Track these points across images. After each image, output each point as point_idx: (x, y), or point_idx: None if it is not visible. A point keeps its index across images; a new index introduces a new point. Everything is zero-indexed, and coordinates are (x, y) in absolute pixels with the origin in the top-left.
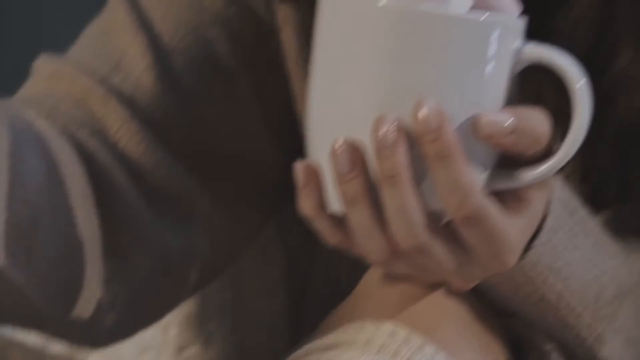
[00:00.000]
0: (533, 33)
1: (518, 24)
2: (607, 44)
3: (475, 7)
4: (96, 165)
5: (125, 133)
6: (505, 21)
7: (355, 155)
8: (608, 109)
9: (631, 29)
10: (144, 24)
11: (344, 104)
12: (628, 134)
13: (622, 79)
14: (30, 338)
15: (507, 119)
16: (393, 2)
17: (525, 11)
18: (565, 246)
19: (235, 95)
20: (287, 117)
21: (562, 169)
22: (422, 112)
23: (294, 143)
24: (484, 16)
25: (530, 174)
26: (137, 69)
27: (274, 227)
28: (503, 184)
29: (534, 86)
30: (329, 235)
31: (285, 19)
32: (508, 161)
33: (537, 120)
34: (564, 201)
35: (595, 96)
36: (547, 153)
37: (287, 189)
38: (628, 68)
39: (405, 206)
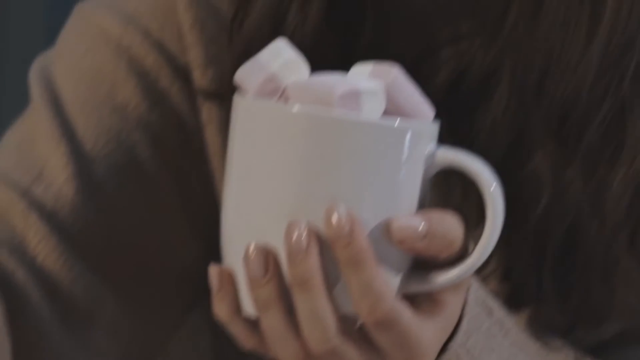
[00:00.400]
0: (452, 133)
1: (431, 128)
2: (522, 146)
3: (388, 112)
4: (13, 286)
5: (44, 248)
6: (418, 126)
7: (268, 260)
8: (525, 208)
9: (540, 130)
10: (67, 132)
11: (257, 208)
12: (545, 233)
13: (536, 180)
14: None
15: (419, 224)
16: (306, 108)
17: (443, 111)
18: (482, 347)
19: (159, 199)
20: (212, 216)
21: (481, 269)
22: (334, 218)
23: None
24: (396, 122)
25: (444, 277)
26: (59, 180)
27: (201, 316)
28: (417, 287)
29: (444, 186)
30: (243, 339)
31: (209, 117)
32: (423, 263)
33: (450, 225)
34: (480, 302)
35: (512, 196)
36: (461, 255)
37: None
38: (541, 169)
39: (317, 311)
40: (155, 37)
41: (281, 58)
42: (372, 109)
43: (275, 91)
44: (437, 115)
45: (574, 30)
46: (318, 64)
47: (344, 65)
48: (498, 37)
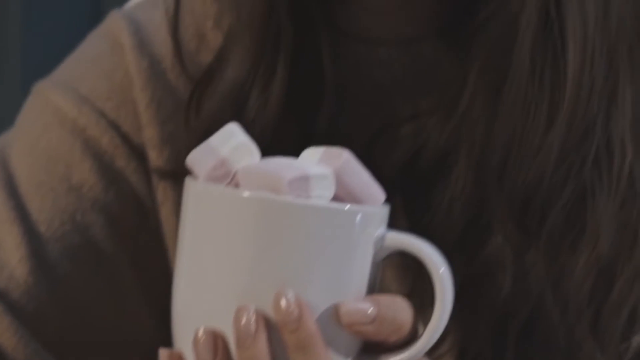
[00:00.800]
0: (409, 210)
1: (381, 212)
2: (482, 227)
3: (338, 197)
4: None
5: None
6: (367, 210)
7: (217, 344)
8: (485, 290)
9: (501, 213)
10: (21, 213)
11: (207, 292)
12: (506, 316)
13: (497, 262)
14: None
15: (368, 308)
16: (256, 193)
17: (401, 189)
18: None
19: (115, 279)
20: (169, 294)
21: (436, 347)
22: (282, 303)
23: None
24: (346, 206)
25: None
26: (12, 261)
27: None
28: None
29: (399, 264)
30: None
31: (164, 197)
32: (372, 346)
33: (399, 308)
34: None
35: (472, 277)
36: (411, 338)
37: None
38: (498, 251)
39: None
40: (110, 118)
41: (232, 142)
42: (322, 194)
43: (226, 176)
44: (394, 193)
45: (534, 113)
46: (279, 145)
47: (305, 144)
48: (454, 115)
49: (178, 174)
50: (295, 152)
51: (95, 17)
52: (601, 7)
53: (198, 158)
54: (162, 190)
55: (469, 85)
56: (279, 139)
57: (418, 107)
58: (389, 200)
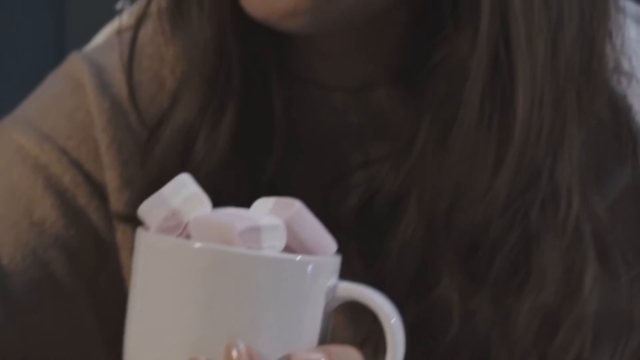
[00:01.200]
0: (362, 255)
1: (332, 263)
2: (430, 271)
3: (290, 247)
4: None
5: None
6: (319, 261)
7: None
8: (433, 334)
9: (447, 258)
10: None
11: (158, 343)
12: (450, 355)
13: (444, 306)
14: None
15: (320, 358)
16: (207, 244)
17: (354, 234)
18: None
19: (75, 316)
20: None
21: None
22: (234, 354)
23: None
24: (297, 257)
25: None
26: None
27: None
28: None
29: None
30: None
31: (123, 241)
32: None
33: (350, 359)
34: None
35: (421, 321)
36: None
37: None
38: (448, 295)
39: None
40: (72, 156)
41: (183, 193)
42: (273, 245)
43: (177, 227)
44: (349, 238)
45: (482, 157)
46: (227, 191)
47: (255, 190)
48: (406, 162)
49: (137, 219)
50: (245, 199)
51: (57, 56)
52: (550, 50)
53: (150, 208)
54: (121, 234)
55: (421, 131)
56: (228, 185)
57: (371, 153)
58: (343, 245)
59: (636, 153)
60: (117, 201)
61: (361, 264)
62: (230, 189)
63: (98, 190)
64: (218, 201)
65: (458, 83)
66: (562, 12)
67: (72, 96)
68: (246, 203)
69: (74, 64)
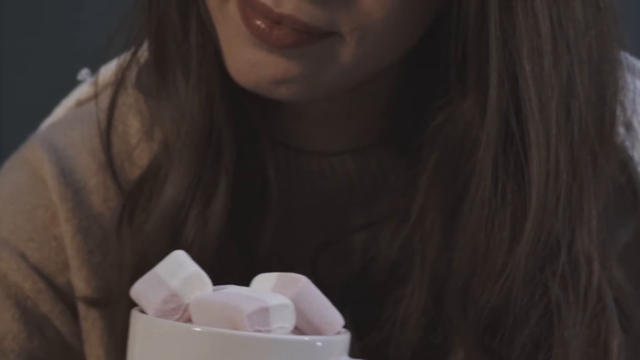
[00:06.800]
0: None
1: (342, 340)
2: (435, 341)
3: (296, 324)
4: None
5: None
6: (329, 340)
7: None
8: None
9: (465, 337)
10: None
11: None
12: None
13: None
14: None
15: None
16: (214, 328)
17: (351, 300)
18: None
19: None
20: None
21: None
22: None
23: None
24: (307, 337)
25: None
26: None
27: None
28: None
29: None
30: None
31: (90, 329)
32: None
33: None
34: None
35: None
36: None
37: None
38: None
39: None
40: (32, 260)
41: (182, 273)
42: (282, 326)
43: (177, 310)
44: (343, 306)
45: (497, 230)
46: (221, 266)
47: (248, 260)
48: (406, 224)
49: (106, 302)
50: (239, 272)
51: None
52: (563, 114)
53: (145, 289)
54: (90, 322)
55: (419, 193)
56: (222, 260)
57: (367, 216)
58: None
59: (637, 205)
60: (85, 288)
61: (355, 335)
62: (224, 264)
63: (61, 292)
64: (212, 277)
65: (465, 150)
66: (572, 73)
67: (31, 192)
68: (242, 277)
69: (33, 152)
